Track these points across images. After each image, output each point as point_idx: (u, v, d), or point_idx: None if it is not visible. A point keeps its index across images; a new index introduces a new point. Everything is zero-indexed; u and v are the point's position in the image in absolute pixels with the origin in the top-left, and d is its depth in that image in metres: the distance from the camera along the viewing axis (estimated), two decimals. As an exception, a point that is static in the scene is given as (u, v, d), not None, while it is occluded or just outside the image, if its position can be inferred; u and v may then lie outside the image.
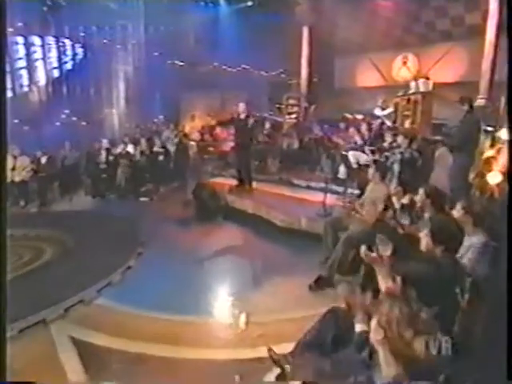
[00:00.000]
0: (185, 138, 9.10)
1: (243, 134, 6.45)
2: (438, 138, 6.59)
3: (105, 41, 9.64)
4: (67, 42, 8.97)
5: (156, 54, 10.61)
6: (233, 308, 3.48)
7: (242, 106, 6.42)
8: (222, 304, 3.63)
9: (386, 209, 3.68)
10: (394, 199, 3.75)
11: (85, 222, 6.07)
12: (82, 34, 9.34)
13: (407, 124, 6.45)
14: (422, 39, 10.28)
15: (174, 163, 8.60)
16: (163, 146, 8.56)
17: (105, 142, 7.71)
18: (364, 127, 7.43)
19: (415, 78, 10.53)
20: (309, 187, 6.84)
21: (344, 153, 6.24)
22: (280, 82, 12.69)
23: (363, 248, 2.14)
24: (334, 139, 7.40)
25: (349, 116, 10.50)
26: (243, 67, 12.44)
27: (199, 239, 5.34)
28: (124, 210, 6.71)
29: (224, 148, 9.77)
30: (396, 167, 5.64)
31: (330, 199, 5.68)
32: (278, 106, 11.85)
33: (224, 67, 12.13)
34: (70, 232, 5.36)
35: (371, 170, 4.56)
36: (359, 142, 6.67)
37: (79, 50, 9.18)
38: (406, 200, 3.65)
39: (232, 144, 10.12)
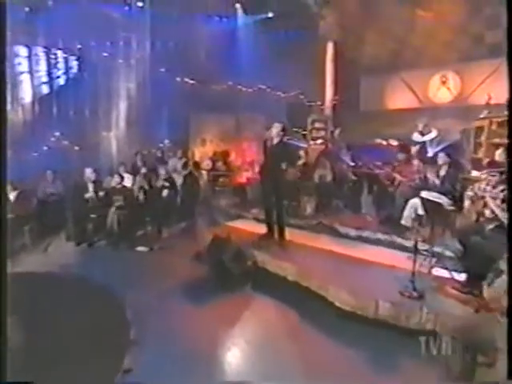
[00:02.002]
0: (195, 167, 7.18)
1: (275, 162, 4.54)
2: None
3: (105, 54, 7.86)
4: (60, 53, 7.17)
5: (163, 70, 8.83)
6: None
7: (277, 127, 4.56)
8: None
9: None
10: None
11: (55, 295, 4.00)
12: (79, 46, 7.56)
13: (498, 155, 4.53)
14: (464, 55, 8.45)
15: (182, 199, 6.67)
16: (168, 177, 6.62)
17: (89, 172, 5.76)
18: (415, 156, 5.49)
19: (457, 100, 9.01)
20: (362, 239, 4.87)
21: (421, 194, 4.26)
22: (300, 103, 10.90)
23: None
24: (395, 174, 5.43)
25: (381, 141, 8.68)
26: (259, 87, 10.67)
27: (217, 323, 3.37)
28: (113, 268, 4.71)
29: (239, 179, 7.87)
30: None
31: (397, 257, 4.03)
32: (300, 130, 10.01)
33: (239, 87, 10.33)
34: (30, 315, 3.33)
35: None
36: (432, 178, 4.70)
37: (74, 64, 7.38)
38: None
39: (249, 174, 8.34)
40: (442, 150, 7.12)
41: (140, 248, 5.42)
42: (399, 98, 9.94)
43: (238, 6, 8.76)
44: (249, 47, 9.78)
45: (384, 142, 8.57)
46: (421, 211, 4.53)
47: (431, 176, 4.65)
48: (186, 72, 9.27)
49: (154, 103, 8.29)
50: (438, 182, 4.53)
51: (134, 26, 7.97)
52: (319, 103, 10.63)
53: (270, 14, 8.75)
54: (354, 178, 7.38)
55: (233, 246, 4.13)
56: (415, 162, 5.36)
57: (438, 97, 9.21)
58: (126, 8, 8.02)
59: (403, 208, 5.00)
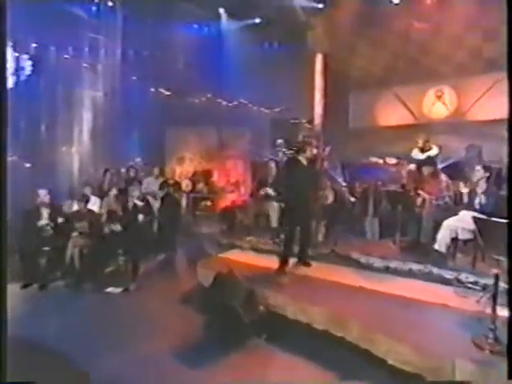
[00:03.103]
0: (175, 188, 6.31)
1: (307, 185, 3.96)
2: None
3: (66, 56, 6.96)
4: (9, 52, 6.19)
5: (134, 78, 8.05)
6: None
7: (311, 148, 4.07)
8: None
9: None
10: None
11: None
12: (34, 45, 6.63)
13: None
14: (461, 69, 8.37)
15: (160, 225, 5.75)
16: (143, 200, 5.70)
17: (43, 195, 4.76)
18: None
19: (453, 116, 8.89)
20: (389, 270, 4.18)
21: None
22: (286, 119, 10.46)
23: None
24: (421, 192, 4.85)
25: (377, 160, 8.29)
26: (241, 101, 10.12)
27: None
28: (74, 319, 3.67)
29: (223, 202, 7.09)
30: None
31: (440, 293, 3.48)
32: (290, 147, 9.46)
33: (219, 100, 9.73)
34: None
35: None
36: (467, 195, 4.14)
37: (27, 65, 6.40)
38: None
39: (234, 197, 7.58)
40: (445, 168, 6.82)
41: (111, 289, 4.40)
42: (392, 114, 9.70)
43: (221, 10, 8.27)
44: (231, 57, 9.26)
45: (380, 161, 8.16)
46: (466, 235, 3.96)
47: (466, 193, 4.12)
48: (161, 82, 8.54)
49: (124, 115, 7.42)
50: (478, 199, 3.99)
51: (103, 28, 7.20)
52: (305, 120, 10.29)
53: (257, 20, 8.31)
54: (352, 199, 6.86)
55: (242, 285, 3.28)
56: (443, 177, 4.84)
57: (434, 112, 9.04)
58: (94, 8, 7.25)
59: (433, 231, 4.43)
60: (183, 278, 4.73)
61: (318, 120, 9.53)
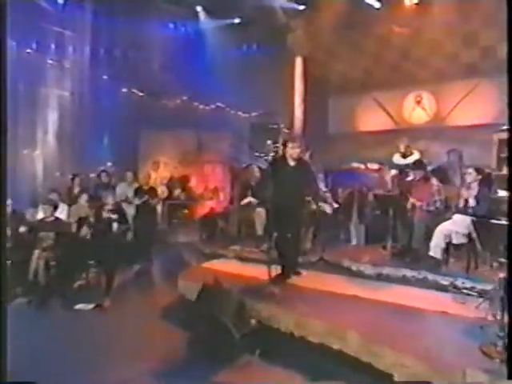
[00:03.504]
0: (151, 194, 6.03)
1: (295, 188, 3.80)
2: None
3: (29, 51, 6.55)
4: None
5: (105, 77, 7.71)
6: None
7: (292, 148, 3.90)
8: None
9: None
10: None
11: None
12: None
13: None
14: (439, 74, 8.60)
15: (135, 234, 5.45)
16: (117, 208, 5.38)
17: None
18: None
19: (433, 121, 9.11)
20: (382, 277, 4.11)
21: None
22: (264, 124, 10.39)
23: None
24: (409, 196, 4.83)
25: (359, 165, 8.35)
26: (218, 105, 9.98)
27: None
28: (38, 342, 3.33)
29: (201, 210, 6.88)
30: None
31: (437, 300, 3.46)
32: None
33: (195, 103, 9.55)
34: None
35: None
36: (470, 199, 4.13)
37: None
38: None
39: (213, 204, 7.37)
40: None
41: (81, 306, 4.06)
42: (372, 119, 9.82)
43: (199, 8, 8.12)
44: (208, 59, 9.13)
45: (362, 166, 8.22)
46: (460, 239, 3.94)
47: (464, 196, 4.12)
48: (134, 82, 8.25)
49: (93, 116, 7.07)
50: (472, 202, 4.00)
51: (70, 22, 6.86)
52: (285, 125, 10.26)
53: (237, 20, 8.22)
54: (335, 205, 6.84)
55: (232, 297, 3.08)
56: (434, 181, 4.84)
57: (414, 117, 9.23)
58: (61, 0, 6.91)
59: (425, 236, 4.41)
60: (162, 291, 4.45)
61: (297, 125, 9.55)
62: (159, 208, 6.62)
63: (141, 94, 8.35)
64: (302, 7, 8.16)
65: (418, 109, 9.21)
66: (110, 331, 3.57)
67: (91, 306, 4.06)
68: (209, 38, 9.04)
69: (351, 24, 8.26)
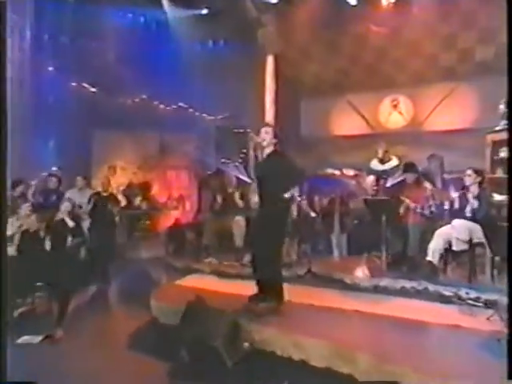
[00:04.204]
0: (110, 202, 5.61)
1: (270, 186, 3.47)
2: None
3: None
4: None
5: (51, 68, 7.19)
6: None
7: (267, 133, 3.58)
8: None
9: None
10: None
11: None
12: None
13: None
14: (417, 77, 8.91)
15: (89, 249, 5.01)
16: (72, 217, 4.93)
17: None
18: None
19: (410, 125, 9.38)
20: (379, 289, 4.02)
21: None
22: (231, 127, 10.24)
23: None
24: (405, 199, 4.81)
25: (333, 171, 8.39)
26: (180, 105, 9.70)
27: None
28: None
29: (164, 221, 6.56)
30: None
31: (443, 312, 3.44)
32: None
33: (156, 102, 9.21)
34: None
35: None
36: (460, 202, 4.16)
37: None
38: None
39: (178, 214, 7.05)
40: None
41: (27, 338, 3.55)
42: (346, 123, 9.96)
43: (163, -4, 7.86)
44: (170, 54, 8.86)
45: (337, 172, 8.27)
46: (461, 245, 3.93)
47: (459, 200, 4.14)
48: (86, 75, 7.76)
49: (37, 112, 6.52)
50: (474, 204, 4.01)
51: (10, 1, 6.31)
52: (254, 129, 10.15)
53: (204, 11, 8.05)
54: (312, 214, 6.79)
55: (223, 318, 2.79)
56: (427, 184, 4.88)
57: (391, 122, 9.46)
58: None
59: (421, 243, 4.40)
60: (127, 316, 4.06)
61: (269, 128, 9.46)
62: (117, 219, 6.18)
63: (93, 89, 7.88)
64: (274, 1, 8.14)
65: (394, 113, 9.46)
66: (63, 368, 3.13)
67: (39, 338, 3.57)
68: (172, 30, 8.79)
69: (326, 21, 8.34)
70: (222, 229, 5.13)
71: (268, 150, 3.57)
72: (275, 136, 3.61)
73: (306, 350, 2.94)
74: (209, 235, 4.97)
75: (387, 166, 7.36)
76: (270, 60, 9.11)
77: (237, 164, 8.99)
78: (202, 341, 2.69)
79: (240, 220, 4.91)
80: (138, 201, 6.81)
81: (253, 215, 3.46)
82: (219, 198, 5.36)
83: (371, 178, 7.28)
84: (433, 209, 4.55)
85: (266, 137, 3.56)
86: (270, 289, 3.48)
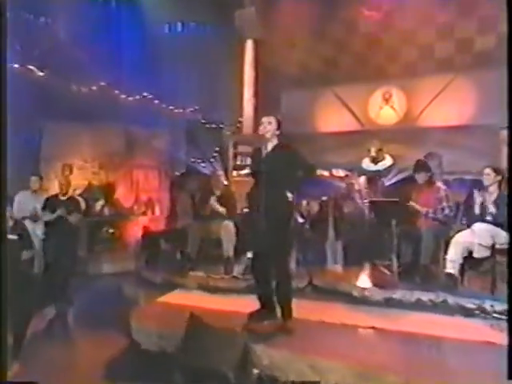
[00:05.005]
0: (72, 206, 5.31)
1: (274, 186, 3.33)
2: None
3: None
4: None
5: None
6: None
7: (269, 122, 3.45)
8: None
9: None
10: None
11: None
12: None
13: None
14: (411, 68, 9.08)
15: (46, 264, 4.71)
16: (18, 227, 4.61)
17: None
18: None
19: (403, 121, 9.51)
20: (392, 302, 3.98)
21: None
22: (205, 121, 10.11)
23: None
24: (414, 204, 4.78)
25: (321, 172, 8.41)
26: (144, 95, 9.47)
27: None
28: None
29: (131, 230, 6.33)
30: None
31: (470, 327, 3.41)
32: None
33: (116, 91, 8.94)
34: None
35: None
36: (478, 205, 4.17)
37: None
38: None
39: (146, 220, 6.80)
40: (403, 181, 7.15)
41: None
42: (333, 119, 9.98)
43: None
44: (133, 37, 8.69)
45: (325, 173, 8.29)
46: (482, 252, 3.94)
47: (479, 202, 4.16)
48: (32, 57, 7.37)
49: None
50: (492, 208, 4.04)
51: None
52: (230, 123, 10.05)
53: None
54: (300, 219, 6.77)
55: (232, 340, 2.61)
56: (440, 184, 4.87)
57: (382, 117, 9.55)
58: None
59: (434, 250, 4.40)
60: (96, 342, 3.79)
61: (247, 123, 9.36)
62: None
63: (41, 73, 7.49)
64: (255, -24, 8.11)
65: (386, 107, 9.55)
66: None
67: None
68: (136, 9, 8.61)
69: (313, 4, 8.40)
70: (207, 236, 4.94)
71: (272, 144, 3.44)
72: (279, 126, 3.49)
73: (325, 373, 2.81)
74: (193, 244, 4.75)
75: (381, 166, 7.40)
76: (249, 46, 9.08)
77: (212, 162, 8.85)
78: (203, 365, 2.51)
79: (229, 225, 4.75)
80: (98, 206, 6.48)
81: (255, 218, 3.27)
82: (201, 201, 5.18)
83: (363, 180, 7.32)
84: (446, 212, 4.54)
85: (270, 128, 3.43)
86: (274, 303, 3.37)
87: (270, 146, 3.42)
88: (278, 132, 3.46)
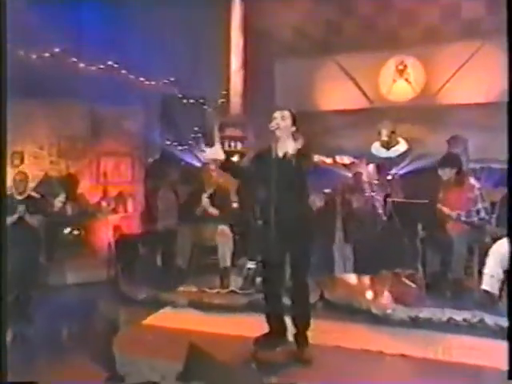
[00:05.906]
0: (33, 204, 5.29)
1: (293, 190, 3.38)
2: None
3: None
4: None
5: None
6: None
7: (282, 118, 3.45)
8: None
9: None
10: None
11: None
12: None
13: None
14: (430, 33, 9.09)
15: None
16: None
17: None
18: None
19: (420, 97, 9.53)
20: (419, 322, 4.05)
21: None
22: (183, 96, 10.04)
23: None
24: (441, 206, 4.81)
25: (323, 159, 8.45)
26: (108, 64, 9.30)
27: None
28: None
29: (100, 231, 6.34)
30: None
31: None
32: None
33: (74, 59, 8.77)
34: None
35: None
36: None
37: None
38: None
39: (117, 219, 6.78)
40: (419, 170, 7.20)
41: None
42: (336, 94, 10.03)
43: None
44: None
45: (328, 160, 8.31)
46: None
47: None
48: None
49: None
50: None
51: None
52: (214, 99, 10.01)
53: None
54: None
55: (249, 378, 2.61)
56: (473, 181, 4.87)
57: (395, 93, 9.60)
58: None
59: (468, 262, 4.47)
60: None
61: (235, 99, 9.35)
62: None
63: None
64: None
65: (399, 81, 9.62)
66: None
67: None
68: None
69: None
70: (200, 242, 4.93)
71: (285, 144, 3.42)
72: (294, 122, 3.50)
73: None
74: (183, 251, 4.72)
75: (393, 152, 7.46)
76: (236, 6, 9.21)
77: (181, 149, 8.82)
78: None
79: (225, 229, 4.75)
80: (58, 202, 6.38)
81: (267, 224, 3.31)
82: (189, 200, 5.16)
83: (372, 168, 7.37)
84: (482, 214, 4.56)
85: (283, 124, 3.43)
86: (285, 325, 3.44)
87: (283, 147, 3.42)
88: (293, 129, 3.48)
